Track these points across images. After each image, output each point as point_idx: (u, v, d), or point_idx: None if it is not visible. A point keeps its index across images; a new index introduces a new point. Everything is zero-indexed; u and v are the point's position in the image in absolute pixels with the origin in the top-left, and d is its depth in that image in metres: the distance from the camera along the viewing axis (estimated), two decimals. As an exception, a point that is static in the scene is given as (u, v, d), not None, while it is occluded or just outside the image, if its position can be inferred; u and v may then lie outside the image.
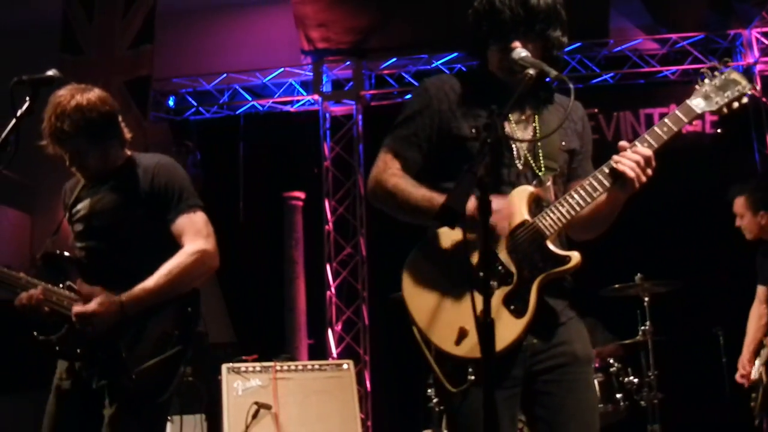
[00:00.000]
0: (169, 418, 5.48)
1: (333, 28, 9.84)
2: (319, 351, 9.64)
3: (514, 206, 2.98)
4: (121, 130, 3.93)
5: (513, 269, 2.94)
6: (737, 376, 6.37)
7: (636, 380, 6.80)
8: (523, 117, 3.16)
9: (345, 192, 10.14)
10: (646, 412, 6.79)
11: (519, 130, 3.13)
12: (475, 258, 2.85)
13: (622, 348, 7.13)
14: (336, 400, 6.66)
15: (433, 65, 10.02)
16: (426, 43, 9.90)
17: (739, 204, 6.29)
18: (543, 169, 3.09)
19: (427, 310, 2.97)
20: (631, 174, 2.91)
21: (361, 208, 9.97)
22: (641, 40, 9.92)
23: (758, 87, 9.36)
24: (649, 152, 2.93)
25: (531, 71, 2.90)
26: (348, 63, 10.16)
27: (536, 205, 3.04)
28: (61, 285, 3.72)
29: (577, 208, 2.96)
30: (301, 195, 10.07)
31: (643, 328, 6.89)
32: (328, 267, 9.93)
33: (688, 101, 3.04)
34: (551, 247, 2.97)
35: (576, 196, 2.97)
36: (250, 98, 10.51)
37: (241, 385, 6.51)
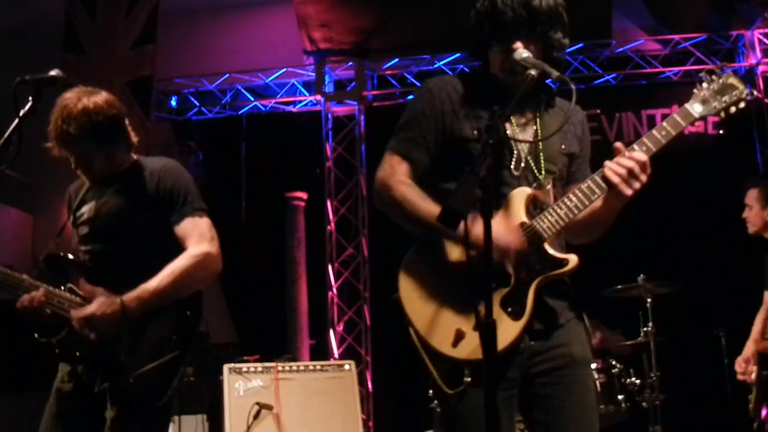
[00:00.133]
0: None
1: (335, 28, 9.84)
2: (320, 351, 9.64)
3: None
4: (127, 134, 3.93)
5: (510, 271, 2.94)
6: (738, 376, 6.37)
7: (638, 381, 6.80)
8: (524, 120, 3.17)
9: (347, 192, 10.15)
10: (647, 413, 6.79)
11: (520, 133, 3.14)
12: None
13: (628, 347, 7.13)
14: (337, 400, 6.66)
15: (436, 66, 10.02)
16: (428, 44, 9.90)
17: (752, 196, 6.28)
18: (543, 172, 3.09)
19: (423, 312, 2.97)
20: (617, 180, 2.90)
21: (363, 209, 9.98)
22: (643, 41, 9.92)
23: (761, 87, 9.37)
24: (644, 157, 2.93)
25: (533, 72, 2.89)
26: (350, 63, 10.15)
27: (534, 207, 3.04)
28: (63, 287, 3.71)
29: (576, 211, 2.97)
30: (303, 195, 10.07)
31: (645, 329, 6.89)
32: (329, 267, 9.93)
33: (686, 105, 3.06)
34: (549, 249, 2.97)
35: (574, 198, 2.97)
36: (252, 98, 10.51)
37: (242, 385, 6.51)
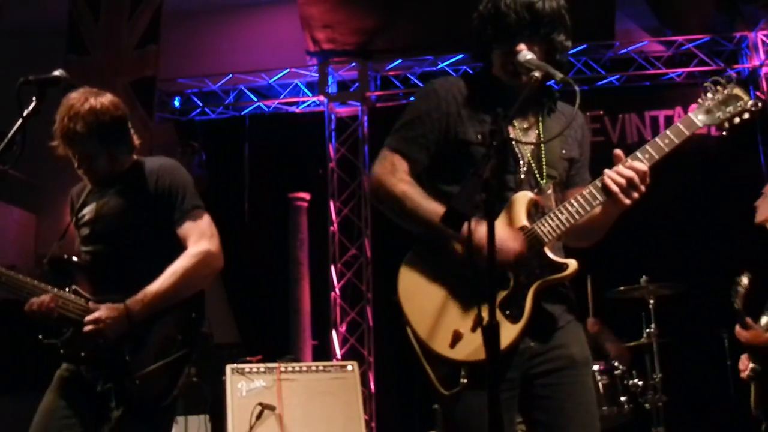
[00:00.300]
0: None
1: (339, 29, 9.84)
2: (323, 352, 9.65)
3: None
4: (130, 136, 3.95)
5: (510, 274, 2.94)
6: (741, 374, 6.37)
7: (640, 383, 6.80)
8: (527, 124, 3.17)
9: (350, 193, 10.15)
10: (650, 414, 6.79)
11: (523, 137, 3.13)
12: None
13: (627, 349, 7.13)
14: (340, 401, 6.66)
15: (439, 67, 10.04)
16: (431, 45, 9.91)
17: None
18: (545, 176, 3.09)
19: (422, 312, 2.97)
20: (616, 190, 2.91)
21: (365, 210, 9.98)
22: (647, 42, 9.92)
23: (765, 89, 9.37)
24: (644, 167, 2.93)
25: (537, 74, 2.89)
26: (353, 64, 10.16)
27: (535, 211, 3.04)
28: (67, 289, 3.72)
29: (576, 216, 2.97)
30: (306, 196, 10.07)
31: (648, 330, 6.89)
32: (332, 268, 9.93)
33: (690, 114, 3.06)
34: (549, 254, 2.98)
35: (576, 204, 2.97)
36: (255, 99, 10.52)
37: (245, 385, 6.51)
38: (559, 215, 2.97)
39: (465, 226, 2.53)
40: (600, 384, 6.59)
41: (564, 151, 3.18)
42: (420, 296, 2.98)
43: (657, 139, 3.00)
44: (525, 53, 2.97)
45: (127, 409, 3.59)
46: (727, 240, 8.06)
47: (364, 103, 10.18)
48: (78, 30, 10.05)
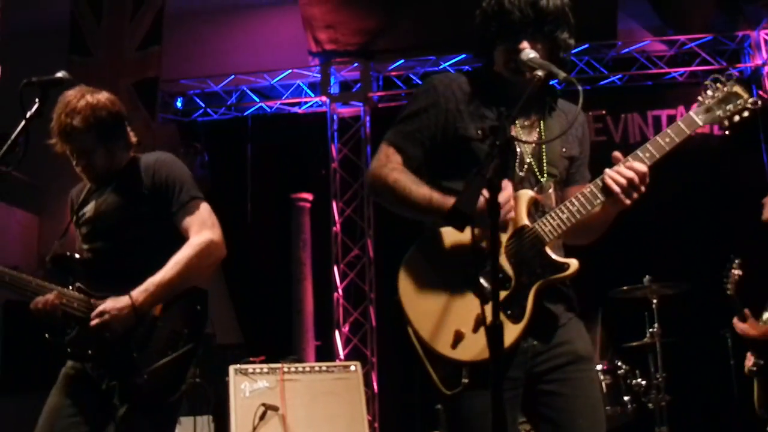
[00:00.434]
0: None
1: (341, 29, 9.85)
2: (326, 352, 9.66)
3: (517, 206, 2.97)
4: (127, 133, 3.98)
5: (511, 274, 2.94)
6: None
7: (644, 382, 6.79)
8: (528, 122, 3.16)
9: (352, 193, 10.15)
10: (653, 414, 6.78)
11: (524, 135, 3.13)
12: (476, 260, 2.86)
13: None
14: (343, 401, 6.66)
15: (441, 67, 10.03)
16: (433, 45, 9.92)
17: None
18: (545, 175, 3.09)
19: (423, 311, 2.96)
20: (618, 190, 2.91)
21: (368, 210, 9.98)
22: (649, 42, 9.91)
23: (767, 88, 9.36)
24: (644, 168, 2.93)
25: (540, 72, 2.88)
26: (356, 64, 10.16)
27: (536, 209, 3.04)
28: (71, 287, 3.74)
29: (577, 216, 2.96)
30: (309, 196, 10.08)
31: (651, 330, 6.88)
32: (335, 268, 9.93)
33: (690, 113, 3.06)
34: (550, 253, 2.97)
35: (576, 203, 2.97)
36: (257, 100, 10.53)
37: (248, 386, 6.51)
38: (560, 214, 2.97)
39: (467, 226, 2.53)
40: (603, 384, 6.59)
41: (564, 150, 3.18)
42: (421, 296, 2.97)
43: (658, 138, 3.00)
44: (528, 51, 2.96)
45: (133, 405, 3.59)
46: (730, 239, 8.04)
47: (367, 103, 10.18)
48: (80, 31, 10.06)
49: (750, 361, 6.38)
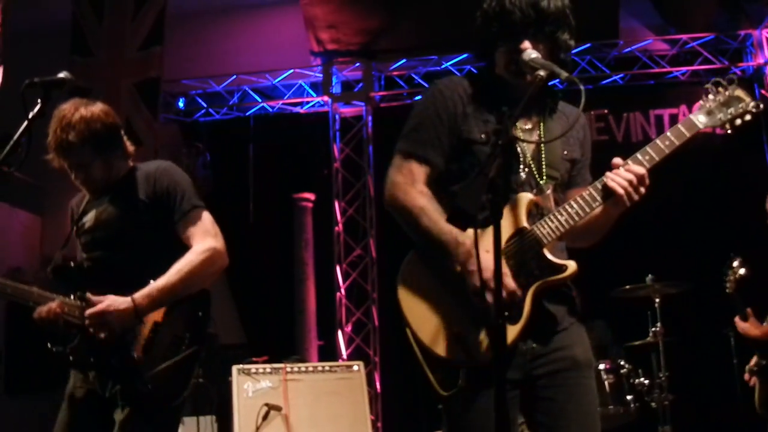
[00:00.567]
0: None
1: (342, 29, 9.85)
2: (329, 352, 9.65)
3: (517, 208, 2.98)
4: (124, 143, 3.99)
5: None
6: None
7: (647, 381, 6.79)
8: (530, 124, 3.16)
9: (355, 193, 10.15)
10: (656, 413, 6.78)
11: (524, 137, 3.13)
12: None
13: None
14: (346, 401, 6.66)
15: (443, 66, 10.03)
16: (435, 45, 9.91)
17: None
18: (545, 177, 3.09)
19: (422, 314, 2.96)
20: (621, 192, 2.92)
21: (370, 210, 9.97)
22: (651, 41, 9.90)
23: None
24: (642, 171, 2.94)
25: (542, 73, 2.88)
26: (358, 64, 10.16)
27: (536, 211, 3.04)
28: (72, 296, 3.75)
29: (576, 218, 2.97)
30: (311, 196, 10.08)
31: (653, 329, 6.88)
32: (337, 268, 9.94)
33: (691, 116, 3.06)
34: (548, 255, 2.97)
35: (575, 205, 2.97)
36: (259, 100, 10.53)
37: (251, 386, 6.51)
38: (559, 217, 2.97)
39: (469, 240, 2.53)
40: (606, 383, 6.59)
41: (566, 152, 3.18)
42: (419, 298, 2.98)
43: (657, 141, 3.00)
44: (530, 52, 2.96)
45: (134, 410, 3.60)
46: (733, 238, 8.03)
47: (369, 103, 10.18)
48: (82, 31, 10.05)
49: (752, 361, 6.38)
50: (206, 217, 3.86)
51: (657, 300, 6.89)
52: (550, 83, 3.10)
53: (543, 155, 3.10)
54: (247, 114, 10.62)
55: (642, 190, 2.94)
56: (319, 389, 6.65)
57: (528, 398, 3.01)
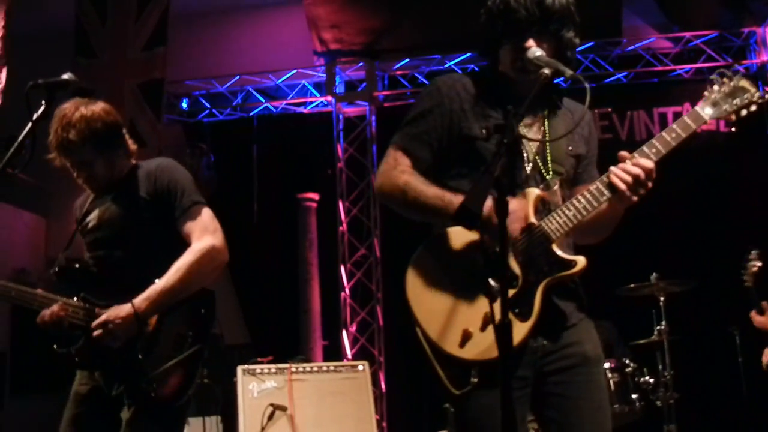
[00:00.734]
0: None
1: (345, 29, 9.84)
2: (333, 352, 9.65)
3: (527, 209, 2.97)
4: (125, 141, 3.99)
5: (518, 272, 2.93)
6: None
7: (652, 380, 6.78)
8: (534, 121, 3.16)
9: (359, 193, 10.15)
10: (662, 412, 6.78)
11: (529, 134, 3.13)
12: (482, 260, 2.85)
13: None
14: (351, 401, 6.67)
15: (446, 66, 10.03)
16: (438, 44, 9.91)
17: None
18: (551, 172, 3.08)
19: (431, 311, 2.95)
20: (623, 187, 2.90)
21: (374, 209, 9.97)
22: (654, 39, 9.90)
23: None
24: (650, 164, 2.92)
25: (546, 71, 2.89)
26: (361, 64, 10.16)
27: (543, 207, 3.03)
28: (75, 297, 3.76)
29: (584, 213, 2.96)
30: (315, 196, 10.07)
31: (658, 327, 6.88)
32: (342, 268, 9.94)
33: (696, 108, 3.04)
34: (557, 251, 2.96)
35: (582, 200, 2.96)
36: (263, 100, 10.54)
37: (256, 386, 6.52)
38: (567, 212, 2.96)
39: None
40: (611, 382, 6.58)
41: (570, 148, 3.18)
42: (429, 294, 2.97)
43: (664, 133, 2.99)
44: (535, 50, 2.96)
45: (139, 409, 3.61)
46: (738, 236, 8.02)
47: (372, 102, 10.18)
48: (85, 33, 10.06)
49: (767, 356, 6.37)
50: (205, 213, 3.86)
51: (662, 298, 6.88)
52: (554, 81, 3.10)
53: (548, 151, 3.10)
54: (251, 114, 10.62)
55: (649, 184, 2.92)
56: (324, 389, 6.66)
57: (539, 395, 3.01)
